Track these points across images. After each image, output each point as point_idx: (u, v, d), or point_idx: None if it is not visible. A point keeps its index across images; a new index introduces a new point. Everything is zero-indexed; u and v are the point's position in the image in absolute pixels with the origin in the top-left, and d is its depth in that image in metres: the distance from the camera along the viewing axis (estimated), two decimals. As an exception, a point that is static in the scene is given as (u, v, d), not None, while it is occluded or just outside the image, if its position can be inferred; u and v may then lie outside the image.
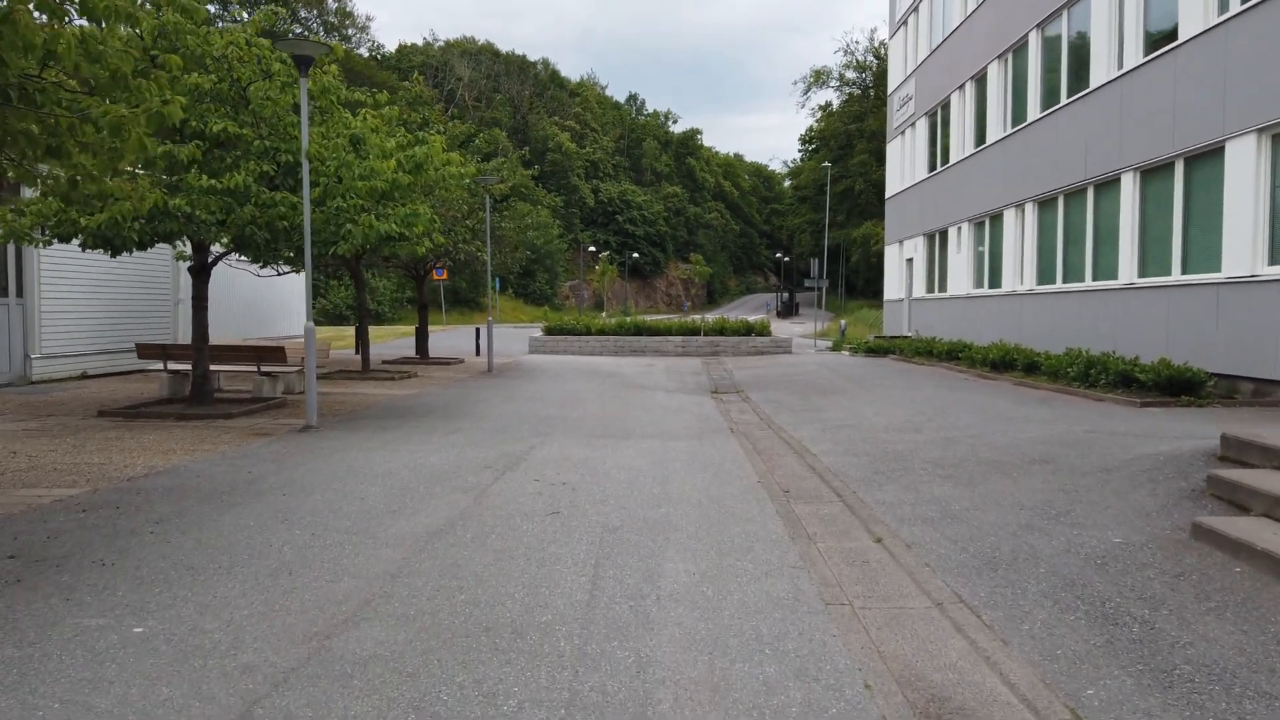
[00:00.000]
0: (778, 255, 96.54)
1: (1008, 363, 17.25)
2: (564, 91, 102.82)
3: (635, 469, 8.44)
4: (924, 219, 27.21)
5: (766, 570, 5.23)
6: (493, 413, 12.91)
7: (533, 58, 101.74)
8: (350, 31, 66.18)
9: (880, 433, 10.70)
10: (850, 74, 69.44)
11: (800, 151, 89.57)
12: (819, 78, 69.51)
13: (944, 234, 25.40)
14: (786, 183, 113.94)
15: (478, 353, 26.94)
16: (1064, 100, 17.91)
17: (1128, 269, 15.28)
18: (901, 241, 29.83)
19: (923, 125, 27.65)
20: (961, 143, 24.00)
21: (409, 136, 12.99)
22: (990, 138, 21.80)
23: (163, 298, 19.47)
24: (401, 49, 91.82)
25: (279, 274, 19.00)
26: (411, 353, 25.68)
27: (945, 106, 25.41)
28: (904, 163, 29.92)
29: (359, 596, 4.71)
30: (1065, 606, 4.53)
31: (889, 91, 32.62)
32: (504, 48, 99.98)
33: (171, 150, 7.57)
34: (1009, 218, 20.47)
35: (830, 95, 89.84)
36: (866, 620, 4.45)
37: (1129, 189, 15.30)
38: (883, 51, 67.50)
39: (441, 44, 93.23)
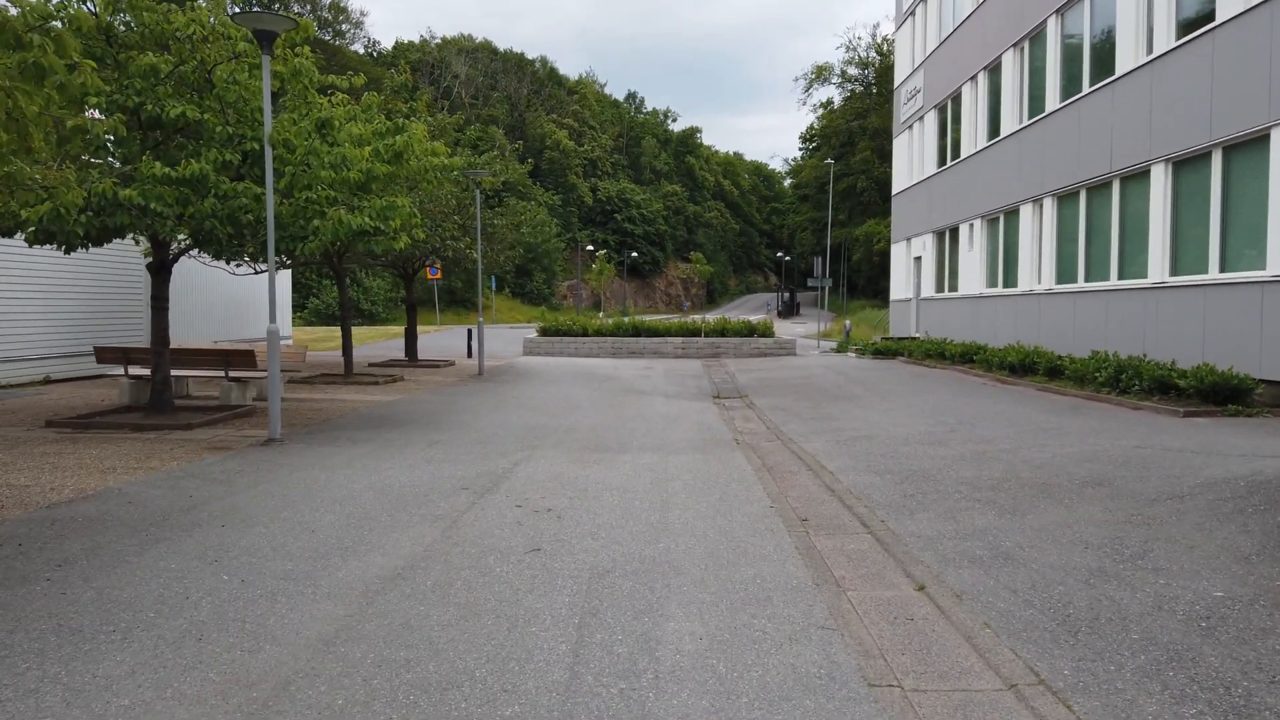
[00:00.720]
0: (779, 254, 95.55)
1: (1028, 366, 16.28)
2: (562, 89, 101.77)
3: (631, 491, 7.46)
4: (933, 216, 26.23)
5: (790, 633, 4.24)
6: (478, 422, 11.92)
7: (531, 56, 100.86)
8: (345, 27, 65.13)
9: (901, 446, 9.72)
10: (852, 70, 68.48)
11: (801, 150, 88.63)
12: (820, 74, 68.53)
13: (954, 231, 24.42)
14: (787, 182, 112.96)
15: (469, 355, 25.96)
16: (1086, 89, 16.93)
17: (1158, 267, 14.30)
18: (909, 239, 28.85)
19: (931, 119, 26.67)
20: (974, 136, 23.03)
21: (388, 124, 12.00)
22: (1005, 130, 20.82)
23: (136, 298, 18.48)
24: (398, 46, 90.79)
25: (255, 271, 18.02)
26: (401, 355, 24.72)
27: (956, 99, 24.44)
28: (911, 158, 28.95)
29: (277, 676, 3.72)
30: (1178, 693, 3.55)
31: (895, 85, 31.64)
32: (502, 47, 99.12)
33: (84, 124, 6.57)
34: (1026, 213, 19.49)
35: (832, 92, 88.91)
36: (924, 712, 3.47)
37: (1160, 181, 14.32)
38: (885, 47, 66.53)
39: (438, 41, 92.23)
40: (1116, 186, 15.76)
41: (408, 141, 11.65)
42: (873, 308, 60.33)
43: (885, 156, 66.05)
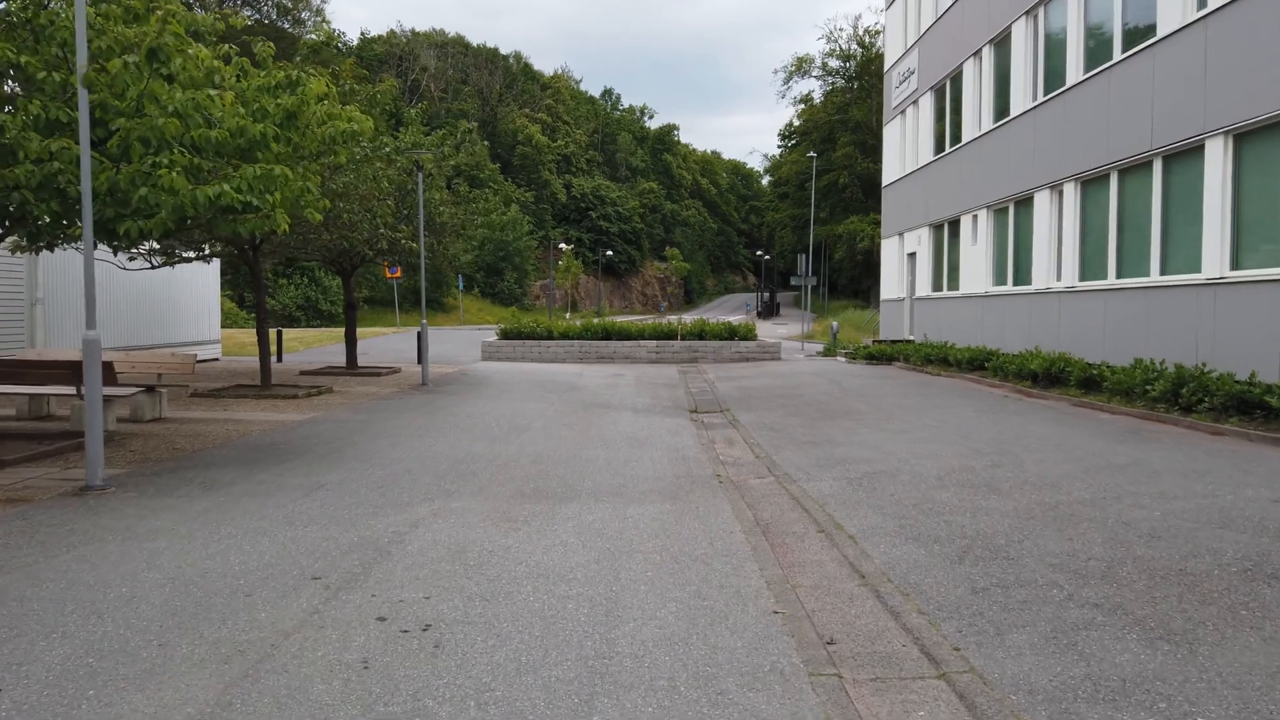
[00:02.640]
0: (758, 253, 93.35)
1: (1054, 376, 14.01)
2: (535, 84, 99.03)
3: (565, 578, 5.02)
4: (930, 208, 24.00)
5: None
6: (393, 453, 9.42)
7: (505, 52, 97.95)
8: (305, 15, 62.22)
9: (936, 490, 7.35)
10: (834, 62, 66.31)
11: (780, 148, 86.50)
12: (801, 66, 66.30)
13: (955, 224, 22.19)
14: (765, 180, 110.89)
15: (419, 359, 23.37)
16: (1118, 56, 14.69)
17: (1215, 258, 12.05)
18: (902, 234, 26.62)
19: (927, 102, 24.44)
20: (977, 118, 20.80)
21: (278, 74, 9.47)
22: (1015, 109, 18.59)
23: (13, 299, 15.78)
24: (364, 39, 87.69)
25: (154, 266, 15.42)
26: (360, 358, 22.16)
27: (956, 79, 22.21)
28: (904, 146, 26.72)
29: None
30: None
31: (886, 68, 29.43)
32: (476, 43, 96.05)
33: None
34: (1042, 202, 17.25)
35: (813, 85, 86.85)
36: None
37: (1217, 157, 12.09)
38: (867, 39, 64.56)
39: (408, 33, 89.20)
40: (1159, 166, 13.52)
41: (302, 99, 9.14)
42: (856, 308, 58.28)
43: (868, 151, 64.06)
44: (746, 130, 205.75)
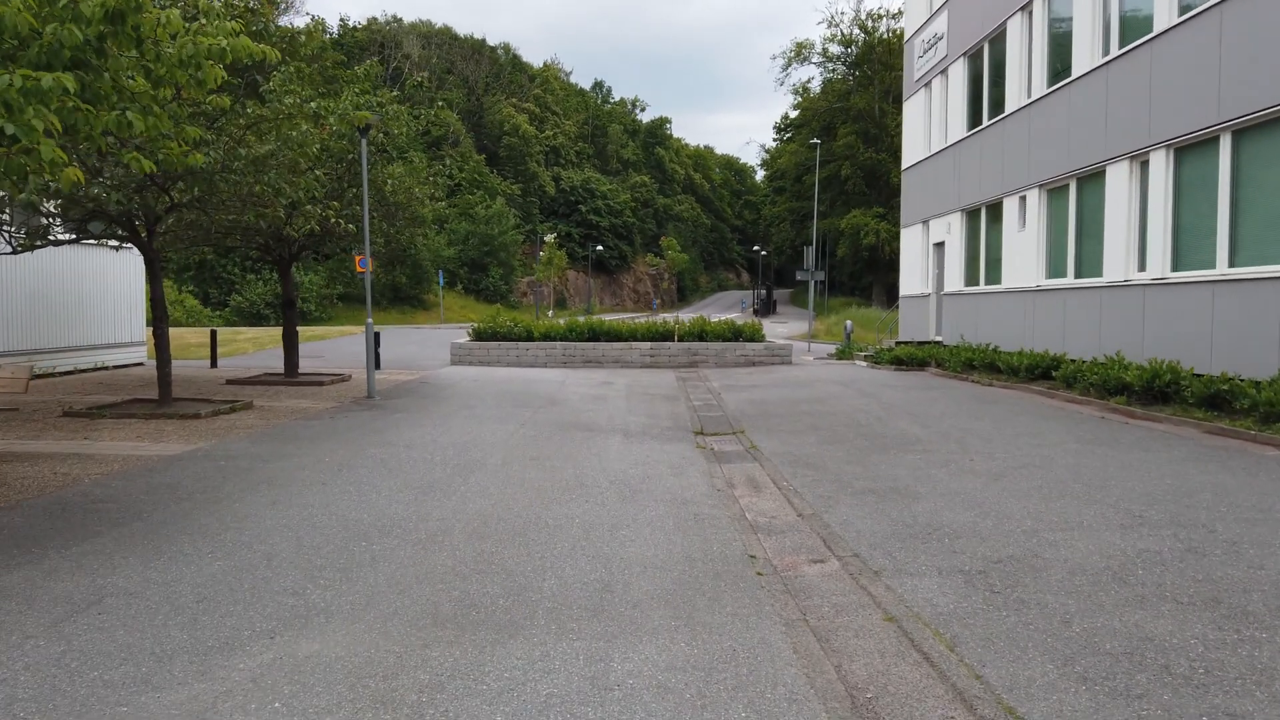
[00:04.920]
0: (755, 249, 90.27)
1: (1160, 391, 11.04)
2: (524, 75, 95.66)
3: None
4: (963, 190, 21.02)
5: None
6: (265, 518, 6.36)
7: (493, 44, 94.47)
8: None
9: (1134, 609, 4.36)
10: (834, 48, 63.24)
11: (776, 140, 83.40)
12: (800, 52, 63.14)
13: (995, 207, 19.21)
14: (759, 175, 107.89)
15: (377, 365, 20.25)
16: (1230, -11, 11.71)
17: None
18: (926, 222, 23.62)
19: (959, 71, 21.45)
20: (1024, 84, 17.81)
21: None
22: (1079, 68, 15.61)
23: None
24: (345, 27, 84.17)
25: (14, 250, 12.34)
26: (314, 363, 19.20)
27: (997, 39, 19.23)
28: (930, 122, 23.72)
29: None
30: None
31: (905, 37, 26.42)
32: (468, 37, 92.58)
33: None
34: (1117, 176, 14.28)
35: (811, 72, 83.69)
36: None
37: (1396, 105, 9.11)
38: (870, 24, 61.57)
39: (390, 17, 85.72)
40: (1298, 122, 10.54)
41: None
42: (858, 305, 55.28)
43: (871, 140, 61.11)
44: (737, 129, 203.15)
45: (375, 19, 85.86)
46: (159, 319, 12.25)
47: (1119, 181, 14.21)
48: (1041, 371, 14.24)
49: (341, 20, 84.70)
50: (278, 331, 38.08)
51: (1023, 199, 17.71)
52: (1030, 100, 17.47)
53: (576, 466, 8.58)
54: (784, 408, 13.05)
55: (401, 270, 56.31)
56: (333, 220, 13.33)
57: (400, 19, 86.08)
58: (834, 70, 64.20)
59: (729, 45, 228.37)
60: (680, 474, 8.37)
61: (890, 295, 62.14)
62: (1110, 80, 14.59)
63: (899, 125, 63.18)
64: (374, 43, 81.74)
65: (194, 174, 10.48)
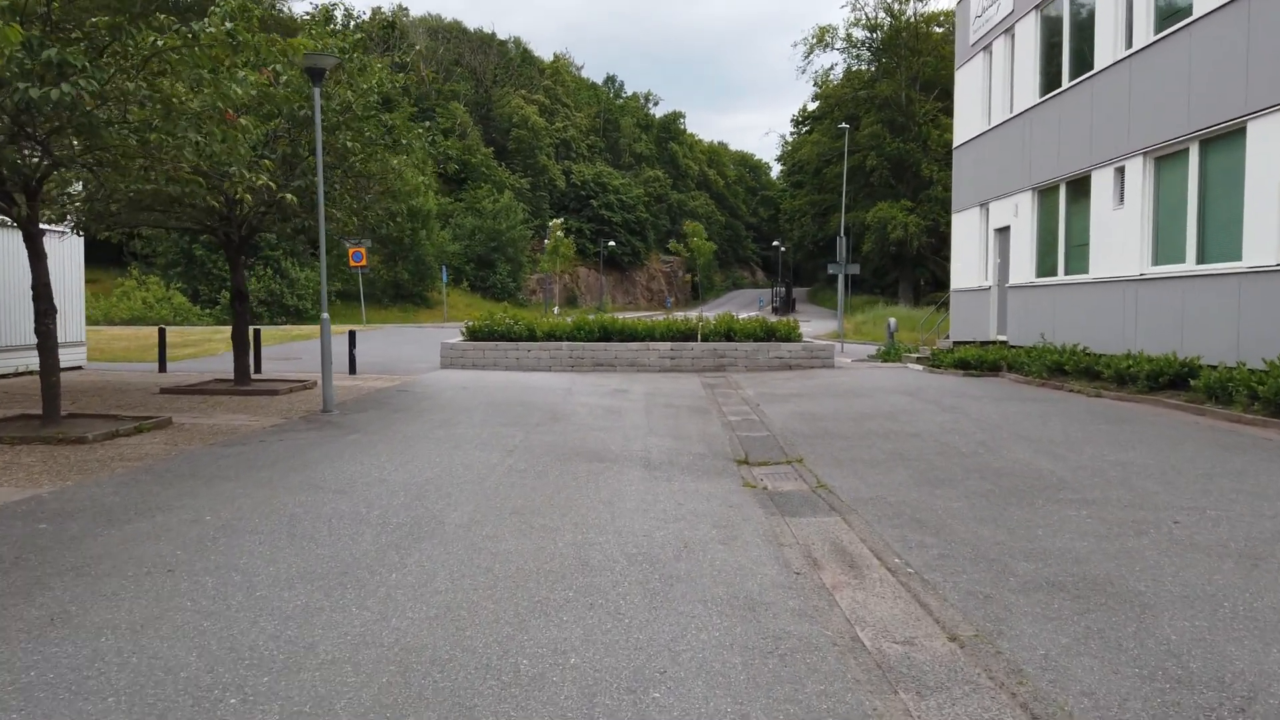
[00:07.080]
0: (775, 244, 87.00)
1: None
2: (533, 68, 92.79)
3: None
4: (1034, 165, 18.05)
5: None
6: (14, 667, 3.52)
7: (504, 38, 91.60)
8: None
9: None
10: (859, 33, 60.02)
11: (793, 134, 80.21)
12: (823, 37, 59.94)
13: (1081, 183, 16.24)
14: (775, 170, 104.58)
15: (351, 368, 17.48)
16: None
17: None
18: (985, 205, 20.64)
19: (1028, 28, 18.47)
20: (1121, 33, 14.85)
21: None
22: (1201, 7, 12.65)
23: None
24: (349, 17, 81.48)
25: None
26: (286, 365, 16.47)
27: (1080, -15, 16.27)
28: (990, 92, 20.74)
29: None
30: None
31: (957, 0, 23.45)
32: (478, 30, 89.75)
33: None
34: (1261, 136, 11.32)
35: (834, 58, 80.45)
36: None
37: None
38: (897, 7, 58.39)
39: (396, 5, 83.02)
40: None
41: None
42: (885, 303, 52.16)
43: (898, 130, 57.95)
44: (752, 127, 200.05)
45: (380, 9, 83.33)
46: (42, 315, 9.42)
47: (1261, 144, 11.24)
48: (1169, 380, 11.30)
49: (346, 11, 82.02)
50: (283, 330, 35.21)
51: (1119, 170, 14.74)
52: (1130, 51, 14.49)
53: (578, 527, 5.73)
54: (846, 425, 10.15)
55: (403, 266, 53.63)
56: (275, 189, 10.47)
57: (404, 6, 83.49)
58: (858, 55, 60.99)
59: (743, 44, 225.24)
60: (732, 539, 5.53)
61: (918, 293, 58.99)
62: (1253, 10, 11.61)
63: (928, 113, 60.20)
64: (378, 36, 79.13)
65: (68, 118, 7.70)
